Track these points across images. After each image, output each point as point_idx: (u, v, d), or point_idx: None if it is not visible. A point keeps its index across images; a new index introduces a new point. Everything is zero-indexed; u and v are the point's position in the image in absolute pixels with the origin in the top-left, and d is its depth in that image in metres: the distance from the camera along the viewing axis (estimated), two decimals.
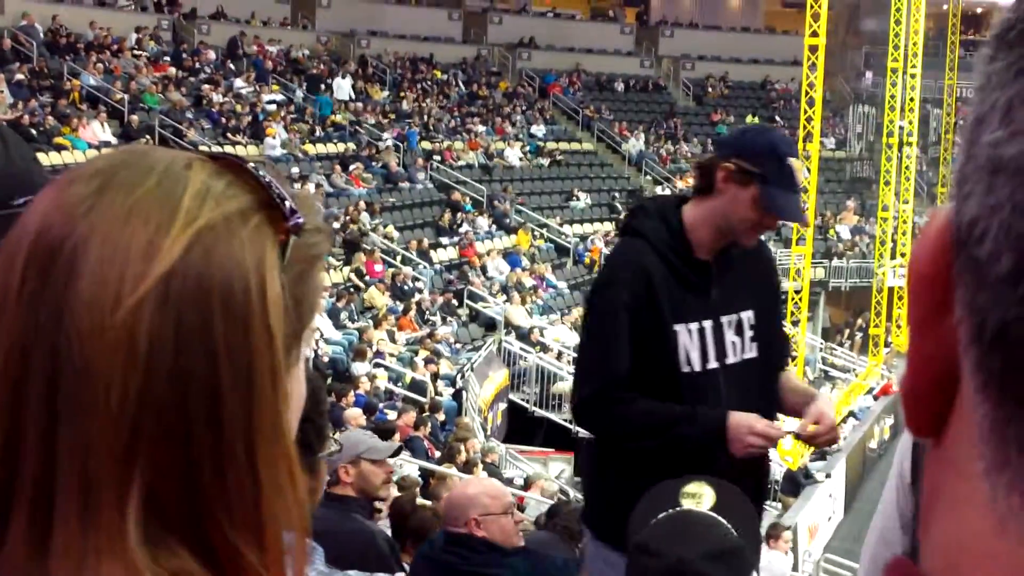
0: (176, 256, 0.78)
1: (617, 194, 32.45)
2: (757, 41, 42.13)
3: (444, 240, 25.64)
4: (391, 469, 4.64)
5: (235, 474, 0.79)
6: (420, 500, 7.63)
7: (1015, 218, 0.40)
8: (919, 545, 0.47)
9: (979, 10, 44.36)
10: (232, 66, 29.35)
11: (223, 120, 25.68)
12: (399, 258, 23.48)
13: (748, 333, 3.40)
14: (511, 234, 27.28)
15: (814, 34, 23.24)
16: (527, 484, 14.35)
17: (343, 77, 30.80)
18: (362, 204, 24.25)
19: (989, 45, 0.43)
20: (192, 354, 0.78)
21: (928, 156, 38.68)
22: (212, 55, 29.25)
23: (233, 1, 32.28)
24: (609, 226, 30.67)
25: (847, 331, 32.63)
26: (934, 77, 35.08)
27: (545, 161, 32.33)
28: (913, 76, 28.95)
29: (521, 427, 19.38)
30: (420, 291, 22.13)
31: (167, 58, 28.16)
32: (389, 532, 5.71)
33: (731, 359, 3.37)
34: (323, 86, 29.91)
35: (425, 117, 31.05)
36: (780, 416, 3.58)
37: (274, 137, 25.45)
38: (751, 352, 3.40)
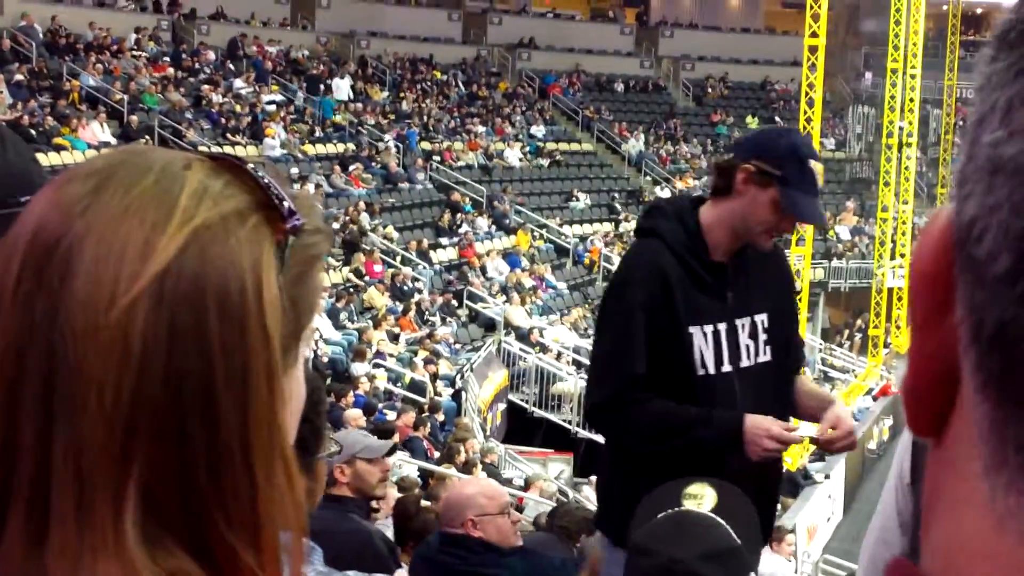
0: (171, 255, 0.78)
1: (617, 195, 32.47)
2: (757, 42, 42.15)
3: (444, 240, 25.64)
4: (387, 467, 4.64)
5: (231, 474, 0.79)
6: (424, 502, 7.62)
7: (1013, 218, 0.40)
8: (919, 545, 0.47)
9: (979, 11, 44.39)
10: (232, 66, 29.35)
11: (223, 121, 25.68)
12: (399, 258, 23.48)
13: (762, 337, 3.37)
14: (511, 235, 27.29)
15: (814, 35, 23.23)
16: (526, 485, 14.35)
17: (342, 78, 30.80)
18: (362, 204, 24.25)
19: (990, 46, 0.43)
20: (187, 354, 0.78)
21: (928, 157, 38.69)
22: (212, 55, 29.26)
23: (233, 1, 32.28)
24: (609, 227, 30.70)
25: (846, 332, 32.63)
26: (934, 78, 35.09)
27: (545, 162, 32.34)
28: (913, 77, 28.95)
29: (520, 427, 19.37)
30: (420, 291, 22.13)
31: (166, 58, 28.16)
32: (392, 532, 5.72)
33: (745, 362, 3.34)
34: (323, 87, 29.91)
35: (425, 118, 31.06)
36: (793, 420, 3.55)
37: (273, 137, 25.45)
38: (765, 356, 3.38)
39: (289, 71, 30.66)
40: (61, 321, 0.77)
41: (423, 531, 5.46)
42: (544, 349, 21.17)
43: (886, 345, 28.67)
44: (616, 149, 35.08)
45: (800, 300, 23.96)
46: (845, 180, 37.69)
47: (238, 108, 26.55)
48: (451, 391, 17.71)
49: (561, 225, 29.25)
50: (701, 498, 2.29)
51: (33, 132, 20.16)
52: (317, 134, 27.44)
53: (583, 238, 29.17)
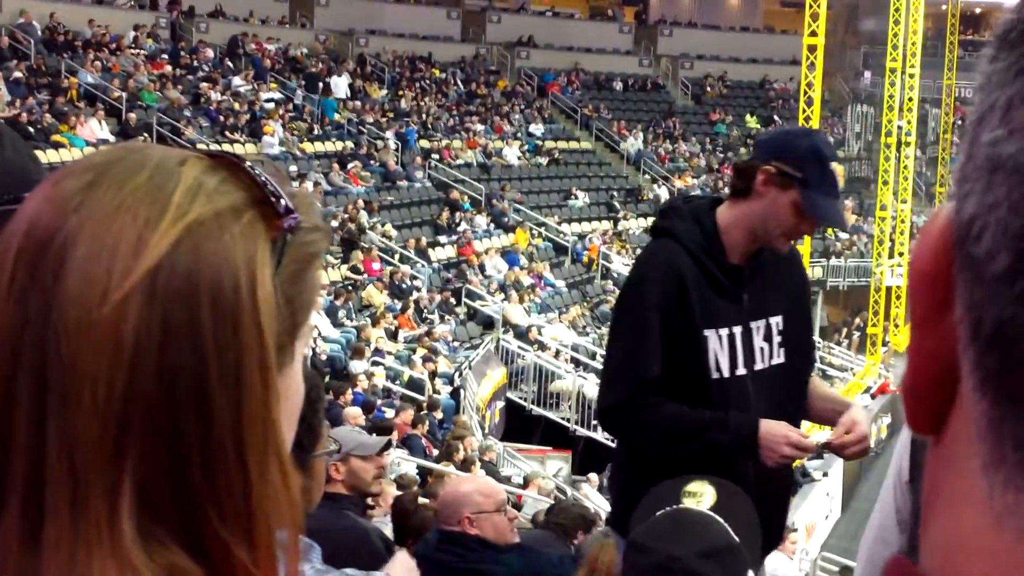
0: (163, 251, 0.78)
1: (615, 193, 32.48)
2: (756, 40, 42.17)
3: (442, 239, 25.64)
4: (381, 464, 4.63)
5: (224, 471, 0.79)
6: (422, 499, 7.62)
7: (1012, 216, 0.40)
8: (917, 543, 0.47)
9: (978, 10, 44.43)
10: (230, 64, 29.35)
11: (221, 118, 25.68)
12: (397, 256, 23.48)
13: (776, 339, 3.34)
14: (509, 233, 27.29)
15: (813, 34, 23.26)
16: (525, 482, 14.36)
17: (341, 76, 30.80)
18: (360, 203, 24.25)
19: (991, 45, 0.43)
20: (179, 350, 0.77)
21: (926, 156, 38.73)
22: (210, 53, 29.26)
23: None
24: (607, 225, 30.71)
25: (845, 330, 32.65)
26: (932, 77, 35.13)
27: (543, 160, 32.35)
28: (912, 76, 28.97)
29: (519, 425, 19.39)
30: (418, 289, 22.13)
31: (165, 56, 28.16)
32: (390, 530, 5.71)
33: (759, 365, 3.31)
34: (321, 85, 29.91)
35: (423, 116, 31.06)
36: (804, 423, 3.51)
37: (272, 135, 25.45)
38: (779, 358, 3.34)
39: (288, 69, 30.66)
40: (54, 317, 0.77)
41: (422, 529, 5.46)
42: (543, 347, 21.17)
43: (884, 343, 28.70)
44: (615, 147, 35.09)
45: None
46: (844, 179, 37.66)
47: (237, 106, 26.55)
48: (449, 389, 17.71)
49: (560, 223, 29.25)
50: (700, 496, 2.29)
51: (31, 129, 20.15)
52: (316, 132, 27.44)
53: (582, 236, 29.17)
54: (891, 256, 29.11)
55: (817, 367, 27.52)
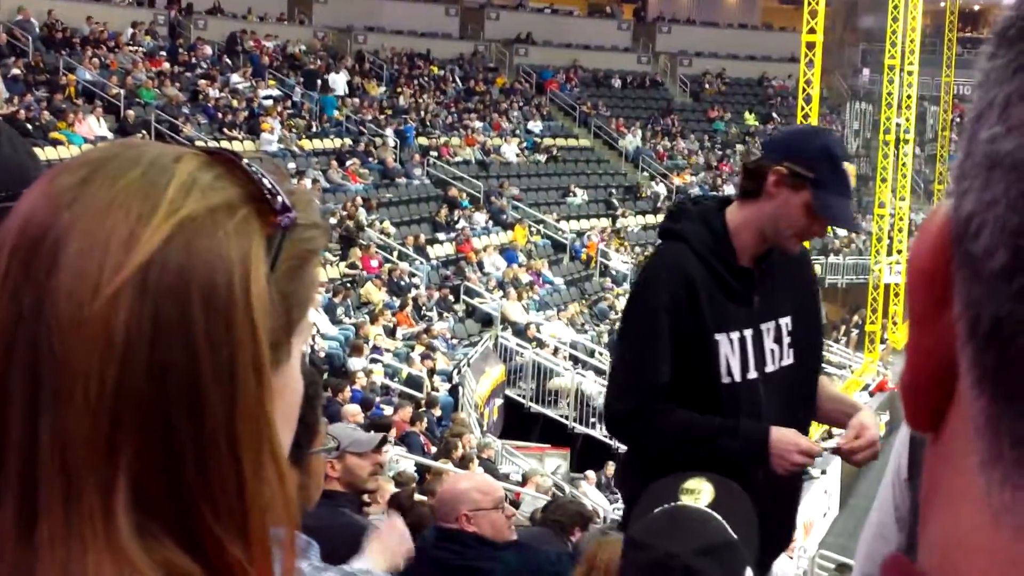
0: (155, 247, 0.78)
1: (614, 190, 32.48)
2: (754, 37, 42.17)
3: (441, 236, 25.63)
4: (377, 461, 4.62)
5: (218, 468, 0.79)
6: (418, 496, 7.63)
7: (1010, 213, 0.40)
8: (916, 541, 0.47)
9: (976, 7, 44.42)
10: (228, 61, 29.34)
11: (219, 115, 25.66)
12: (395, 254, 23.48)
13: (786, 340, 3.31)
14: (508, 230, 27.28)
15: (811, 31, 23.25)
16: (524, 480, 14.37)
17: (339, 72, 30.79)
18: (359, 200, 24.24)
19: (990, 42, 0.43)
20: (171, 346, 0.77)
21: (925, 153, 38.74)
22: (209, 50, 29.25)
23: None
24: (606, 222, 30.71)
25: (843, 327, 32.65)
26: (931, 74, 35.14)
27: (542, 157, 32.34)
28: (910, 73, 28.96)
29: (517, 423, 19.40)
30: (416, 287, 22.13)
31: (163, 53, 28.14)
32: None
33: (770, 367, 3.28)
34: (320, 82, 29.90)
35: (422, 113, 31.05)
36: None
37: (271, 132, 25.44)
38: (789, 358, 3.32)
39: (286, 66, 30.65)
40: (46, 313, 0.77)
41: (419, 526, 5.46)
42: (541, 344, 21.17)
43: (883, 341, 28.71)
44: (613, 145, 35.08)
45: None
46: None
47: (235, 103, 26.54)
48: (448, 386, 17.72)
49: (558, 220, 29.25)
50: (698, 493, 2.29)
51: (29, 126, 20.14)
52: (314, 129, 27.43)
53: (580, 233, 29.16)
54: (889, 254, 29.11)
55: None
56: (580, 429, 19.16)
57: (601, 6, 43.40)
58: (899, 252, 29.06)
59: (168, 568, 0.77)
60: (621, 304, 26.17)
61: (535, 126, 33.68)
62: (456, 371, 18.19)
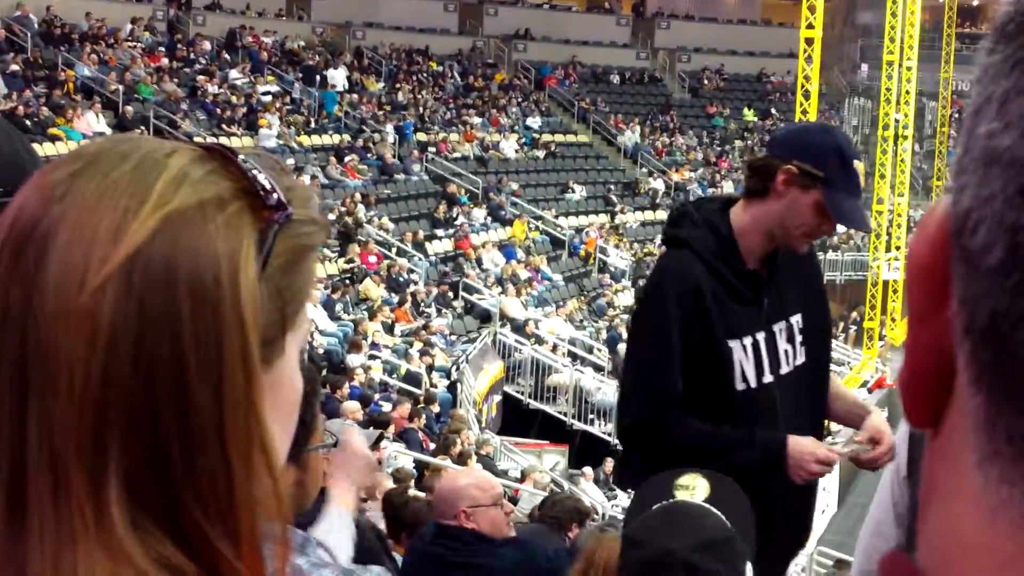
0: (141, 239, 0.78)
1: (612, 186, 32.47)
2: (753, 33, 42.14)
3: (439, 232, 25.63)
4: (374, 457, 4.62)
5: (206, 463, 0.79)
6: (413, 492, 7.63)
7: (1007, 209, 0.40)
8: (914, 538, 0.47)
9: (976, 3, 44.39)
10: (227, 57, 29.31)
11: (218, 111, 25.65)
12: (394, 250, 23.47)
13: (798, 338, 3.28)
14: (506, 226, 27.28)
15: (810, 26, 23.24)
16: (522, 476, 14.37)
17: (338, 69, 30.77)
18: (357, 196, 24.23)
19: (989, 38, 0.43)
20: (157, 339, 0.77)
21: (923, 149, 38.74)
22: (207, 46, 29.23)
23: None
24: (604, 218, 30.70)
25: (841, 324, 32.64)
26: (930, 70, 35.09)
27: (541, 153, 32.33)
28: (909, 69, 28.95)
29: (516, 419, 19.39)
30: (415, 283, 22.13)
31: (162, 49, 28.12)
32: (383, 525, 5.71)
33: (785, 368, 3.25)
34: (319, 78, 29.88)
35: (421, 109, 31.03)
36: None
37: (269, 128, 25.42)
38: (801, 357, 3.29)
39: (285, 62, 30.63)
40: (34, 306, 0.77)
41: (416, 522, 5.46)
42: (540, 341, 21.17)
43: (881, 337, 28.71)
44: (612, 141, 35.07)
45: None
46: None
47: (233, 99, 26.52)
48: (446, 382, 17.72)
49: (557, 217, 29.24)
50: (694, 489, 2.29)
51: (28, 122, 20.15)
52: (313, 125, 27.42)
53: (579, 230, 29.16)
54: (888, 250, 29.10)
55: None
56: (579, 425, 19.17)
57: (600, 2, 43.37)
58: (897, 248, 29.06)
59: (163, 562, 0.77)
60: (620, 300, 26.21)
61: (534, 122, 33.67)
62: (455, 367, 18.19)
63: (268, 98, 27.24)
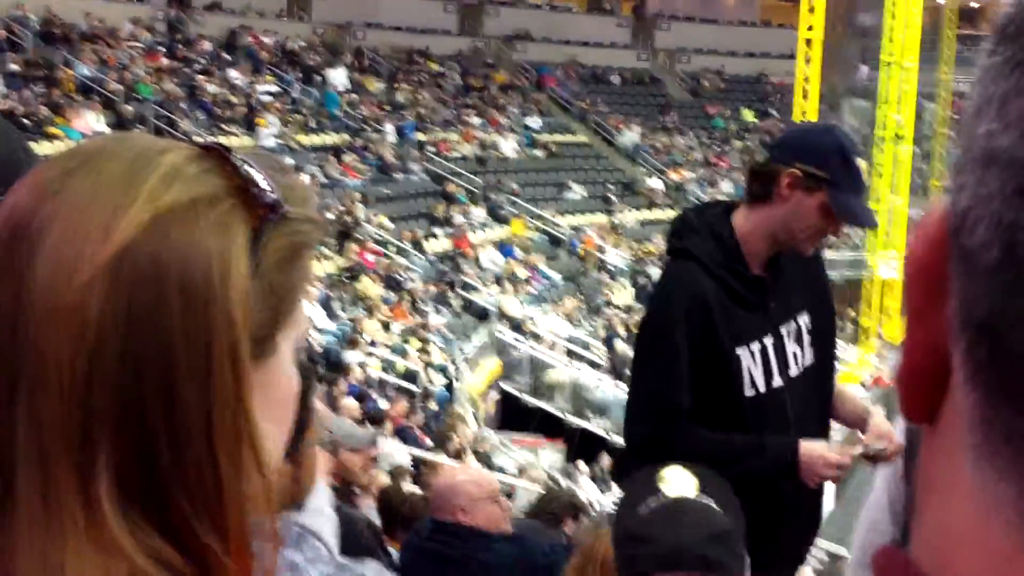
0: (130, 236, 0.78)
1: (611, 186, 32.45)
2: (753, 35, 42.09)
3: (438, 231, 25.61)
4: (369, 455, 4.64)
5: (194, 460, 0.79)
6: (407, 488, 7.65)
7: (1005, 209, 0.40)
8: (910, 537, 0.47)
9: (975, 4, 44.36)
10: (227, 57, 29.28)
11: (217, 111, 25.62)
12: (393, 248, 23.46)
13: (806, 339, 3.27)
14: (505, 225, 27.26)
15: (810, 28, 23.26)
16: (520, 473, 14.38)
17: (337, 69, 30.73)
18: (356, 195, 24.22)
19: (990, 39, 0.43)
20: (144, 336, 0.78)
21: (922, 150, 38.68)
22: (207, 46, 29.18)
23: None
24: (603, 218, 30.68)
25: (839, 322, 32.64)
26: (929, 71, 35.07)
27: (540, 153, 32.31)
28: (908, 70, 28.94)
29: (513, 416, 19.40)
30: (413, 281, 22.12)
31: (161, 48, 28.08)
32: (378, 520, 5.72)
33: (793, 371, 3.24)
34: (319, 78, 29.85)
35: (420, 109, 31.00)
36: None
37: (267, 127, 25.39)
38: (810, 358, 3.28)
39: (285, 62, 30.59)
40: (25, 301, 0.78)
41: (411, 518, 5.48)
42: (537, 338, 21.18)
43: (878, 335, 28.69)
44: (611, 141, 35.04)
45: None
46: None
47: (233, 99, 26.49)
48: (444, 380, 17.72)
49: (555, 216, 29.23)
50: (681, 482, 2.29)
51: (27, 122, 20.10)
52: (312, 125, 27.39)
53: (577, 229, 29.14)
54: (886, 249, 29.10)
55: None
56: (576, 422, 19.18)
57: (600, 2, 43.33)
58: (895, 248, 29.06)
59: (153, 555, 0.78)
60: (617, 299, 26.22)
61: (533, 122, 33.63)
62: (452, 365, 18.19)
63: (268, 98, 27.20)
